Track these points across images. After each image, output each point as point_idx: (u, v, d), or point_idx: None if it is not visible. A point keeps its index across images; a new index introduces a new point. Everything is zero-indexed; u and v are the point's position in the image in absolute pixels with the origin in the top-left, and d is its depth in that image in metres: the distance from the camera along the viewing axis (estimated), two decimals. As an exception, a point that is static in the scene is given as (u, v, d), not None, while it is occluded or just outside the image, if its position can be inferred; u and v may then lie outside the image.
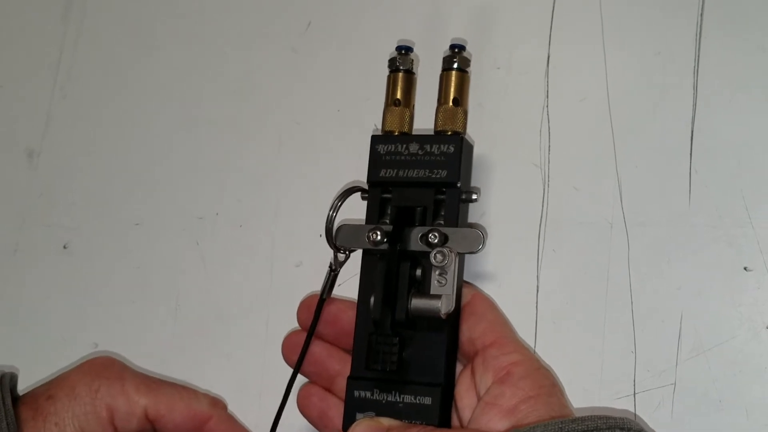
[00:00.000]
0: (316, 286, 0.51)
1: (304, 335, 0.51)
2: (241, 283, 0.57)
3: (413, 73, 0.51)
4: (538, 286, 0.52)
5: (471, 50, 0.55)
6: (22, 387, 0.50)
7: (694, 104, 0.52)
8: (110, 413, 0.48)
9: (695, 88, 0.52)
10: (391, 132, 0.50)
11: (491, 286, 0.53)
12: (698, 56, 0.52)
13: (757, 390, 0.49)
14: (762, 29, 0.52)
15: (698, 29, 0.53)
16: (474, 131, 0.54)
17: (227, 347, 0.57)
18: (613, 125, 0.53)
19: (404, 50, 0.51)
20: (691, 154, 0.51)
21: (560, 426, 0.41)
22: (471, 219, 0.53)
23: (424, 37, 0.56)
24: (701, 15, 0.53)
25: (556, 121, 0.54)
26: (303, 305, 0.52)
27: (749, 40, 0.52)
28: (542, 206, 0.53)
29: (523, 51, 0.55)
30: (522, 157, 0.54)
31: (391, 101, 0.51)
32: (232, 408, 0.53)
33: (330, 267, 0.51)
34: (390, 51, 0.52)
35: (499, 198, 0.54)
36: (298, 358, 0.50)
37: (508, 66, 0.55)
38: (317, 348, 0.51)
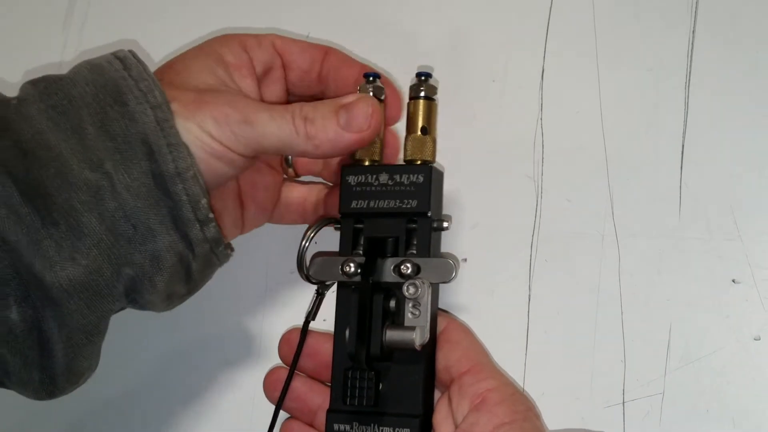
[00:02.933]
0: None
1: (284, 372, 0.51)
2: (237, 288, 0.58)
3: (382, 101, 0.50)
4: (530, 296, 0.53)
5: (466, 63, 0.56)
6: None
7: (685, 119, 0.53)
8: (243, 44, 0.48)
9: (686, 103, 0.53)
10: (361, 161, 0.50)
11: (483, 296, 0.53)
12: (690, 72, 0.53)
13: (744, 400, 0.49)
14: (753, 46, 0.53)
15: (690, 46, 0.53)
16: (468, 143, 0.55)
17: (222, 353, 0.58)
18: (605, 139, 0.54)
19: (372, 77, 0.50)
20: (681, 168, 0.52)
21: None
22: (464, 229, 0.54)
23: (417, 53, 0.56)
24: (693, 32, 0.53)
25: (550, 134, 0.55)
26: (284, 340, 0.52)
27: (740, 56, 0.53)
28: (535, 217, 0.54)
29: (518, 64, 0.56)
30: (516, 169, 0.54)
31: None
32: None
33: (317, 291, 0.51)
34: (386, 65, 0.53)
35: (493, 209, 0.54)
36: (281, 393, 0.51)
37: (503, 79, 0.56)
38: (297, 383, 0.51)
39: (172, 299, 0.46)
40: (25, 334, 0.41)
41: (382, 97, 0.50)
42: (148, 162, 0.42)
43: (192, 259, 0.44)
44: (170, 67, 0.47)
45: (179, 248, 0.43)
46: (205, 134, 0.43)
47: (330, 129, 0.45)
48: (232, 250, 0.47)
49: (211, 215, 0.44)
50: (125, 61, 0.44)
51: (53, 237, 0.40)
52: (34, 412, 0.59)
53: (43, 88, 0.43)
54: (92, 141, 0.42)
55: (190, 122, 0.43)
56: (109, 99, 0.42)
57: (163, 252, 0.43)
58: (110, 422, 0.59)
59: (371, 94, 0.49)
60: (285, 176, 0.54)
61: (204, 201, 0.43)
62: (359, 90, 0.49)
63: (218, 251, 0.45)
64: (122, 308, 0.45)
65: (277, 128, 0.44)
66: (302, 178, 0.55)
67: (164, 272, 0.43)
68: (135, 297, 0.44)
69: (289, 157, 0.53)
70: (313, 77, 0.51)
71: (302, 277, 0.51)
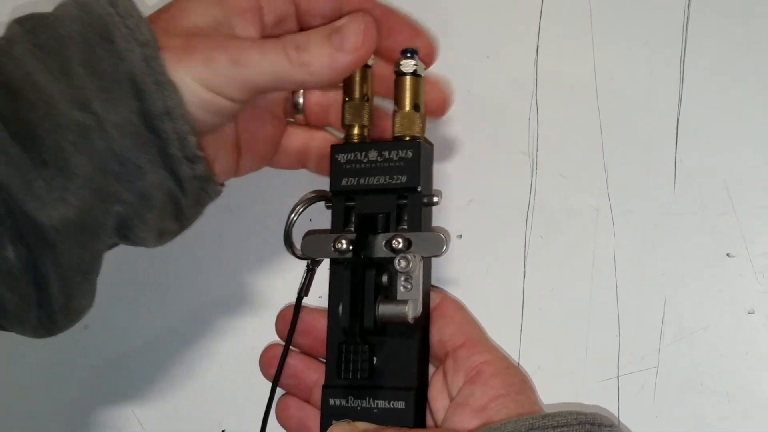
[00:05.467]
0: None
1: (279, 349, 0.51)
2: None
3: (369, 67, 0.50)
4: (524, 272, 0.53)
5: (460, 39, 0.56)
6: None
7: (680, 94, 0.53)
8: None
9: (681, 78, 0.53)
10: (351, 126, 0.50)
11: (478, 272, 0.54)
12: (685, 47, 0.53)
13: (738, 374, 0.50)
14: (748, 21, 0.52)
15: (685, 20, 0.53)
16: (463, 119, 0.55)
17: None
18: (600, 114, 0.54)
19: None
20: (676, 143, 0.52)
21: (531, 422, 0.41)
22: (458, 206, 0.54)
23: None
24: (688, 6, 0.53)
25: (545, 110, 0.55)
26: (280, 316, 0.52)
27: (736, 31, 0.52)
28: (530, 193, 0.54)
29: (512, 40, 0.56)
30: (510, 145, 0.54)
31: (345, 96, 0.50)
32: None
33: (307, 266, 0.51)
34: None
35: (488, 185, 0.54)
36: (277, 369, 0.51)
37: (497, 55, 0.56)
38: (293, 360, 0.51)
39: (163, 235, 0.46)
40: (22, 272, 0.41)
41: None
42: (135, 101, 0.42)
43: (182, 196, 0.44)
44: (166, 7, 0.45)
45: (168, 186, 0.43)
46: (195, 82, 0.43)
47: (324, 53, 0.44)
48: (223, 185, 0.46)
49: (199, 153, 0.43)
50: None
51: (44, 177, 0.40)
52: (46, 367, 0.60)
53: (30, 27, 0.42)
54: (80, 81, 0.41)
55: (179, 71, 0.42)
56: (96, 37, 0.42)
57: (152, 189, 0.43)
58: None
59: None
60: (292, 120, 0.53)
61: (192, 139, 0.43)
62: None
63: (208, 188, 0.45)
64: (115, 244, 0.45)
65: (269, 64, 0.44)
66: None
67: (154, 209, 0.43)
68: (126, 233, 0.44)
69: (300, 101, 0.52)
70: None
71: (289, 251, 0.51)
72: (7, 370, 0.61)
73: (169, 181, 0.43)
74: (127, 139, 0.42)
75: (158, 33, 0.43)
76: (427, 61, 0.51)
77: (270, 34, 0.47)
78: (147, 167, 0.42)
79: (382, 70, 0.51)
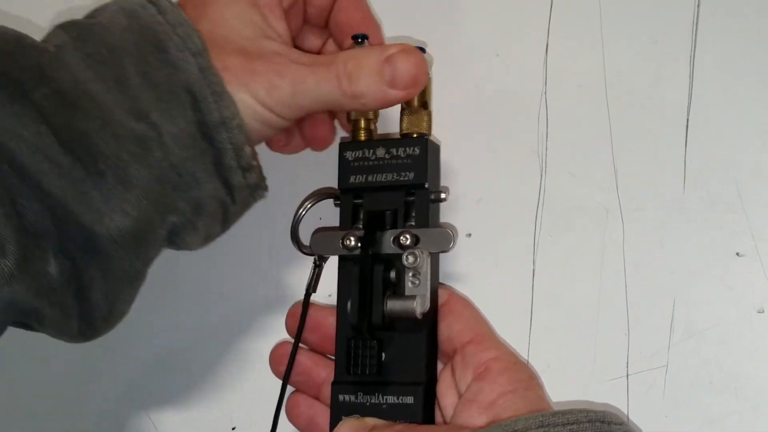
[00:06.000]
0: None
1: (288, 346, 0.52)
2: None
3: None
4: (534, 270, 0.53)
5: (470, 36, 0.56)
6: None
7: (690, 92, 0.53)
8: None
9: (691, 76, 0.53)
10: (357, 120, 0.50)
11: (487, 270, 0.54)
12: (695, 44, 0.53)
13: (747, 372, 0.50)
14: (758, 18, 0.52)
15: (695, 17, 0.53)
16: (472, 117, 0.55)
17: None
18: (609, 112, 0.54)
19: (360, 39, 0.49)
20: (686, 141, 0.52)
21: (541, 420, 0.41)
22: (468, 204, 0.54)
23: (420, 26, 0.56)
24: (698, 3, 0.53)
25: (554, 108, 0.55)
26: (290, 314, 0.53)
27: (746, 28, 0.52)
28: (539, 191, 0.54)
29: (522, 38, 0.56)
30: (520, 143, 0.54)
31: None
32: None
33: (314, 262, 0.52)
34: (387, 38, 0.53)
35: (497, 183, 0.54)
36: (287, 366, 0.51)
37: (507, 53, 0.56)
38: (302, 357, 0.52)
39: (209, 239, 0.46)
40: (64, 286, 0.41)
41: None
42: (192, 111, 0.42)
43: (231, 203, 0.44)
44: (203, 13, 0.45)
45: (221, 195, 0.44)
46: (257, 104, 0.43)
47: (376, 88, 0.45)
48: (267, 189, 0.47)
49: (254, 162, 0.44)
50: (159, 4, 0.43)
51: (99, 188, 0.40)
52: (56, 367, 0.61)
53: (75, 34, 0.42)
54: (136, 91, 0.41)
55: (242, 93, 0.43)
56: (149, 46, 0.42)
57: (206, 199, 0.43)
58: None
59: None
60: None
61: (248, 149, 0.43)
62: None
63: (257, 194, 0.46)
64: (163, 249, 0.45)
65: (324, 92, 0.44)
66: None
67: (205, 217, 0.44)
68: (175, 240, 0.44)
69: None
70: (324, 15, 0.51)
71: (295, 247, 0.51)
72: (20, 374, 0.61)
73: (222, 190, 0.43)
74: (184, 150, 0.42)
75: (210, 45, 0.43)
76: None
77: (287, 20, 0.48)
78: (203, 177, 0.43)
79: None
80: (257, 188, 0.45)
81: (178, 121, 0.41)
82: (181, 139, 0.42)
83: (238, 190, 0.44)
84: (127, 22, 0.42)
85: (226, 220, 0.45)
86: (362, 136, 0.50)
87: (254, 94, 0.43)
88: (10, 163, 0.39)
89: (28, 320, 0.42)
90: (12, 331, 0.42)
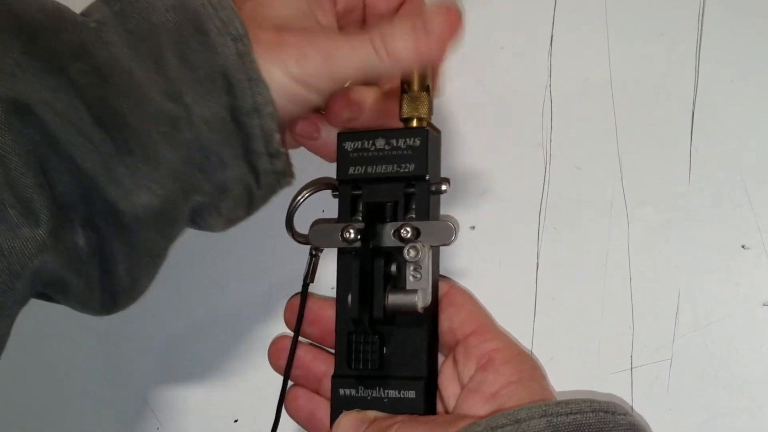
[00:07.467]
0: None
1: (287, 340, 0.51)
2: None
3: None
4: (538, 263, 0.53)
5: (475, 30, 0.56)
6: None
7: (696, 85, 0.52)
8: None
9: (697, 69, 0.53)
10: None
11: (491, 263, 0.53)
12: (700, 37, 0.53)
13: (752, 366, 0.49)
14: (764, 11, 0.52)
15: (701, 11, 0.53)
16: (477, 110, 0.55)
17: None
18: (614, 105, 0.53)
19: None
20: (691, 134, 0.52)
21: (544, 409, 0.41)
22: (472, 197, 0.54)
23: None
24: (704, -3, 0.53)
25: (559, 101, 0.54)
26: (289, 306, 0.52)
27: (751, 21, 0.52)
28: (543, 185, 0.54)
29: (527, 31, 0.55)
30: (524, 137, 0.54)
31: None
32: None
33: (311, 252, 0.51)
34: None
35: (501, 176, 0.54)
36: (287, 360, 0.51)
37: (512, 46, 0.56)
38: (301, 352, 0.52)
39: (232, 222, 0.46)
40: (90, 257, 0.41)
41: None
42: (226, 96, 0.42)
43: (256, 188, 0.45)
44: None
45: (247, 179, 0.44)
46: (287, 77, 0.43)
47: (413, 43, 0.43)
48: (294, 176, 0.47)
49: (282, 149, 0.44)
50: None
51: (127, 165, 0.40)
52: (62, 359, 0.61)
53: (118, 9, 0.42)
54: (173, 72, 0.41)
55: (271, 66, 0.42)
56: (190, 28, 0.42)
57: (231, 182, 0.43)
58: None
59: None
60: None
61: (277, 136, 0.43)
62: None
63: (283, 180, 0.46)
64: (186, 228, 0.45)
65: (360, 58, 0.44)
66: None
67: (229, 200, 0.44)
68: (197, 220, 0.44)
69: None
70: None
71: (289, 234, 0.51)
72: (22, 363, 0.61)
73: (249, 176, 0.44)
74: (214, 134, 0.42)
75: (246, 24, 0.43)
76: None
77: (340, 24, 0.48)
78: (230, 161, 0.43)
79: None
80: (283, 174, 0.45)
81: (210, 104, 0.42)
82: (212, 122, 0.42)
83: (264, 175, 0.44)
84: (171, 2, 0.42)
85: (251, 204, 0.45)
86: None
87: (284, 65, 0.42)
88: (43, 134, 0.39)
89: (51, 291, 0.42)
90: (15, 325, 0.42)
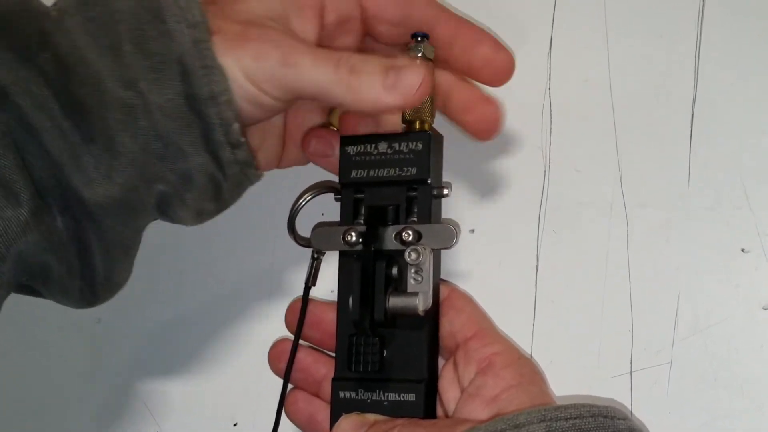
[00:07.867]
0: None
1: (288, 344, 0.51)
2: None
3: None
4: (537, 266, 0.53)
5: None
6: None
7: (695, 87, 0.52)
8: None
9: (696, 71, 0.52)
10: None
11: (491, 266, 0.53)
12: (700, 39, 0.53)
13: (752, 369, 0.49)
14: (764, 13, 0.52)
15: (700, 12, 0.53)
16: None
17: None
18: (614, 107, 0.53)
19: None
20: (690, 136, 0.52)
21: (543, 413, 0.41)
22: (471, 199, 0.54)
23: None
24: (703, -1, 0.53)
25: (558, 103, 0.54)
26: (290, 309, 0.52)
27: (751, 23, 0.52)
28: (543, 187, 0.54)
29: (526, 33, 0.55)
30: (524, 139, 0.54)
31: None
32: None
33: (312, 255, 0.51)
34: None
35: (501, 179, 0.54)
36: (288, 363, 0.51)
37: (511, 47, 0.55)
38: (301, 354, 0.51)
39: (202, 215, 0.46)
40: (69, 243, 0.42)
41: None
42: (181, 83, 0.41)
43: (223, 179, 0.44)
44: None
45: (210, 169, 0.43)
46: (241, 73, 0.42)
47: (375, 86, 0.43)
48: (259, 168, 0.46)
49: (242, 139, 0.43)
50: None
51: (92, 154, 0.41)
52: (59, 360, 0.60)
53: None
54: (128, 59, 0.41)
55: (227, 58, 0.42)
56: (148, 15, 0.42)
57: (194, 172, 0.43)
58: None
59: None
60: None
61: (236, 126, 0.43)
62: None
63: (249, 173, 0.45)
64: (154, 219, 0.45)
65: (318, 74, 0.42)
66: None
67: (194, 190, 0.44)
68: (166, 210, 0.44)
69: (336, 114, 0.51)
70: (402, 31, 0.48)
71: (291, 237, 0.51)
72: (18, 363, 0.61)
73: (211, 165, 0.43)
74: (170, 121, 0.41)
75: (216, 15, 0.42)
76: (502, 77, 0.49)
77: (331, 35, 0.47)
78: (189, 150, 0.42)
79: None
80: (248, 165, 0.44)
81: (165, 91, 0.41)
82: (167, 109, 0.41)
83: (228, 165, 0.44)
84: None
85: (219, 196, 0.45)
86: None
87: (240, 60, 0.42)
88: (18, 119, 0.40)
89: (34, 280, 0.42)
90: (9, 324, 0.42)
